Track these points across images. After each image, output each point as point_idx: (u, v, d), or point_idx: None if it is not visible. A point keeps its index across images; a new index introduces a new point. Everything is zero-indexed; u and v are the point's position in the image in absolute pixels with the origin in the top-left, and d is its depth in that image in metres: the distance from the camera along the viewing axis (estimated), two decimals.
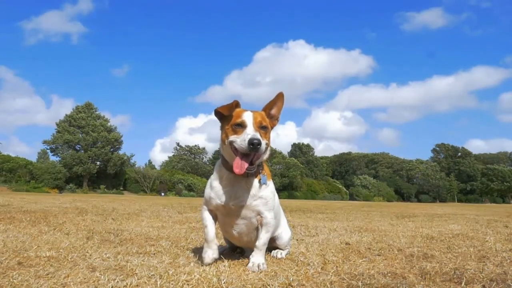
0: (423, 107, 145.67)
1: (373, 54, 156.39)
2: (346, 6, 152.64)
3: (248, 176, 2.01)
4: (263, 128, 1.95)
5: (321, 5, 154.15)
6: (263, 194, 2.04)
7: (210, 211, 2.14)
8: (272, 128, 2.07)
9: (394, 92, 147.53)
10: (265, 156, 2.01)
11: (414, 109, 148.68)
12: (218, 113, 2.00)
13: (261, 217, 2.05)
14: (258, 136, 1.83)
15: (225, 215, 2.09)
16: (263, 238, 2.06)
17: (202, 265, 2.00)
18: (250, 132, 1.86)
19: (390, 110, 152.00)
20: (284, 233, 2.38)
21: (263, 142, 1.85)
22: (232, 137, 1.90)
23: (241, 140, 1.85)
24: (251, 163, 1.88)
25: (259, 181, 2.04)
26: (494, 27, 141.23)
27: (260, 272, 1.87)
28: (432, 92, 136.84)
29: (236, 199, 2.02)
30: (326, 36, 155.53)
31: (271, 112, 2.07)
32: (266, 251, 2.17)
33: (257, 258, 2.02)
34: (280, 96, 2.09)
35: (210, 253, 2.04)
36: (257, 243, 2.06)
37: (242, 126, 1.90)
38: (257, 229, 2.11)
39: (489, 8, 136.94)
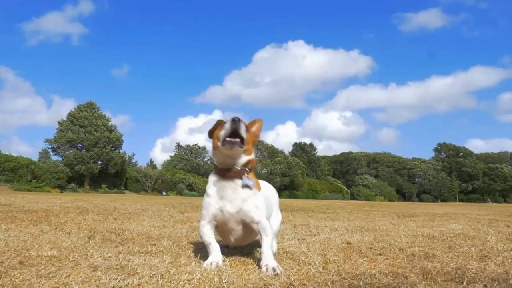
0: (422, 107, 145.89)
1: (372, 54, 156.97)
2: (344, 6, 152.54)
3: (234, 179, 2.08)
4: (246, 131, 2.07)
5: (320, 5, 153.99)
6: (254, 202, 2.08)
7: (209, 223, 2.14)
8: (253, 142, 2.15)
9: (393, 92, 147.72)
10: (243, 159, 2.06)
11: (413, 109, 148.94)
12: (210, 133, 2.16)
13: (256, 224, 2.07)
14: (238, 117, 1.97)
15: (223, 222, 2.12)
16: (265, 242, 2.06)
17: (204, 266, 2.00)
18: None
19: (389, 110, 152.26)
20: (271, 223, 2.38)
21: (242, 123, 1.98)
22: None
23: (225, 128, 1.99)
24: (235, 136, 1.96)
25: (242, 182, 2.07)
26: (492, 27, 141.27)
27: (261, 272, 1.87)
28: (431, 92, 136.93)
29: (230, 202, 2.07)
30: (325, 36, 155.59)
31: (252, 129, 2.18)
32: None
33: (268, 260, 2.00)
34: (259, 120, 2.25)
35: (215, 264, 2.02)
36: (262, 249, 2.06)
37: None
38: (253, 234, 2.13)
39: (486, 8, 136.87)
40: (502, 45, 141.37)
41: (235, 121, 1.96)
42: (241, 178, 2.08)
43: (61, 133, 48.78)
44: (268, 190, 2.46)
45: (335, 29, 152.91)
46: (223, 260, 2.09)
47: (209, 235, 2.14)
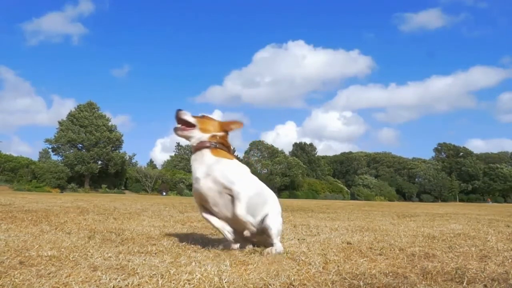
0: (422, 107, 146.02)
1: (372, 54, 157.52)
2: (344, 6, 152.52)
3: (200, 150, 2.39)
4: (200, 117, 2.50)
5: (320, 5, 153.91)
6: (220, 167, 2.32)
7: (202, 208, 2.44)
8: (226, 129, 2.50)
9: (393, 92, 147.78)
10: (198, 136, 2.41)
11: (413, 109, 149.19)
12: None
13: (229, 189, 2.29)
14: (183, 110, 2.44)
15: (200, 193, 2.35)
16: (237, 207, 2.27)
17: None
18: None
19: (389, 110, 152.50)
20: (271, 222, 2.49)
21: (186, 112, 2.43)
22: None
23: None
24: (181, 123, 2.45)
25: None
26: (492, 27, 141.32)
27: (261, 272, 1.87)
28: (431, 92, 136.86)
29: (200, 169, 2.35)
30: (325, 36, 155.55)
31: (231, 126, 2.54)
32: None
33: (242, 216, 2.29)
34: (239, 122, 2.56)
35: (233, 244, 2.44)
36: (235, 213, 2.29)
37: None
38: (232, 202, 2.33)
39: (486, 8, 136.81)
40: (502, 45, 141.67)
41: (175, 112, 2.43)
42: (206, 148, 2.38)
43: (61, 133, 48.80)
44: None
45: (335, 29, 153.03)
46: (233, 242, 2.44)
47: (213, 219, 2.40)
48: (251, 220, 2.34)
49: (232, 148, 2.53)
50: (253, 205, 2.39)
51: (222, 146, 2.42)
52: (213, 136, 2.43)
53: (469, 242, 3.20)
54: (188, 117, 2.42)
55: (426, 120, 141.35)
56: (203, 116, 2.50)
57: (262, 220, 2.47)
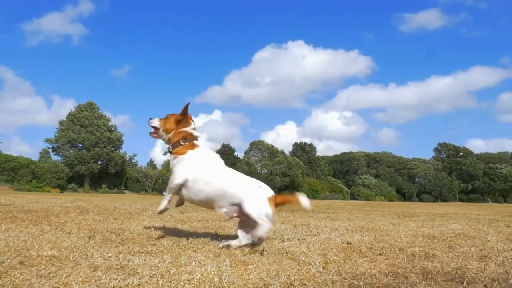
0: (422, 107, 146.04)
1: (372, 54, 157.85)
2: (344, 6, 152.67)
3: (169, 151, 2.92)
4: (164, 118, 2.97)
5: (320, 5, 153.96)
6: (172, 162, 2.86)
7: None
8: (175, 120, 2.90)
9: (393, 92, 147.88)
10: (165, 137, 2.94)
11: (413, 109, 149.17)
12: None
13: None
14: (152, 118, 2.98)
15: None
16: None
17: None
18: None
19: (389, 110, 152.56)
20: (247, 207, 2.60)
21: (153, 119, 2.96)
22: None
23: None
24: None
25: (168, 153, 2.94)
26: (491, 27, 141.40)
27: (261, 272, 1.87)
28: (431, 92, 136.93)
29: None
30: (325, 36, 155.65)
31: (183, 111, 2.92)
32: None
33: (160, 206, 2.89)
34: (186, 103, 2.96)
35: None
36: None
37: None
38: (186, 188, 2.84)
39: (486, 8, 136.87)
40: (502, 45, 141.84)
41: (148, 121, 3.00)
42: (169, 153, 2.90)
43: (61, 133, 48.78)
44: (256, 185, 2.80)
45: (335, 29, 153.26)
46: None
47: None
48: (165, 201, 2.84)
49: (195, 135, 2.90)
50: (203, 192, 2.79)
51: (177, 144, 2.85)
52: (175, 135, 2.88)
53: (469, 242, 3.20)
54: (154, 123, 2.95)
55: (426, 120, 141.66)
56: (166, 116, 2.95)
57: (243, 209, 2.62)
